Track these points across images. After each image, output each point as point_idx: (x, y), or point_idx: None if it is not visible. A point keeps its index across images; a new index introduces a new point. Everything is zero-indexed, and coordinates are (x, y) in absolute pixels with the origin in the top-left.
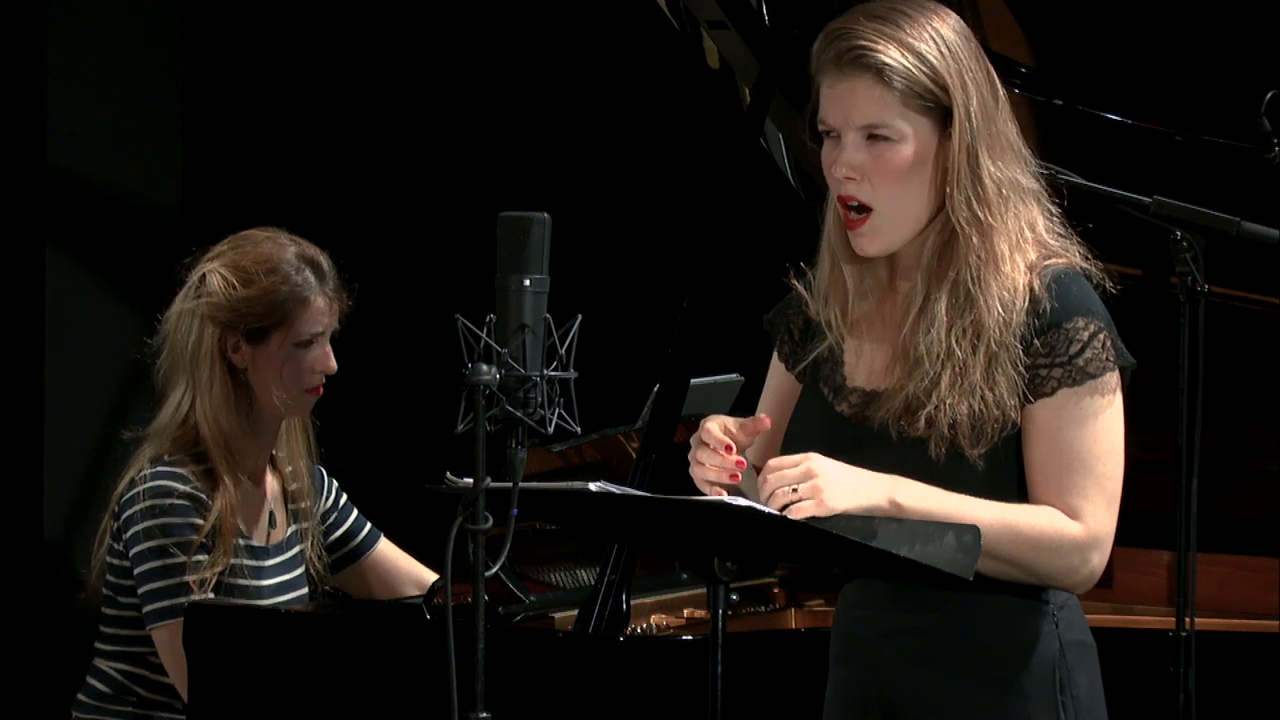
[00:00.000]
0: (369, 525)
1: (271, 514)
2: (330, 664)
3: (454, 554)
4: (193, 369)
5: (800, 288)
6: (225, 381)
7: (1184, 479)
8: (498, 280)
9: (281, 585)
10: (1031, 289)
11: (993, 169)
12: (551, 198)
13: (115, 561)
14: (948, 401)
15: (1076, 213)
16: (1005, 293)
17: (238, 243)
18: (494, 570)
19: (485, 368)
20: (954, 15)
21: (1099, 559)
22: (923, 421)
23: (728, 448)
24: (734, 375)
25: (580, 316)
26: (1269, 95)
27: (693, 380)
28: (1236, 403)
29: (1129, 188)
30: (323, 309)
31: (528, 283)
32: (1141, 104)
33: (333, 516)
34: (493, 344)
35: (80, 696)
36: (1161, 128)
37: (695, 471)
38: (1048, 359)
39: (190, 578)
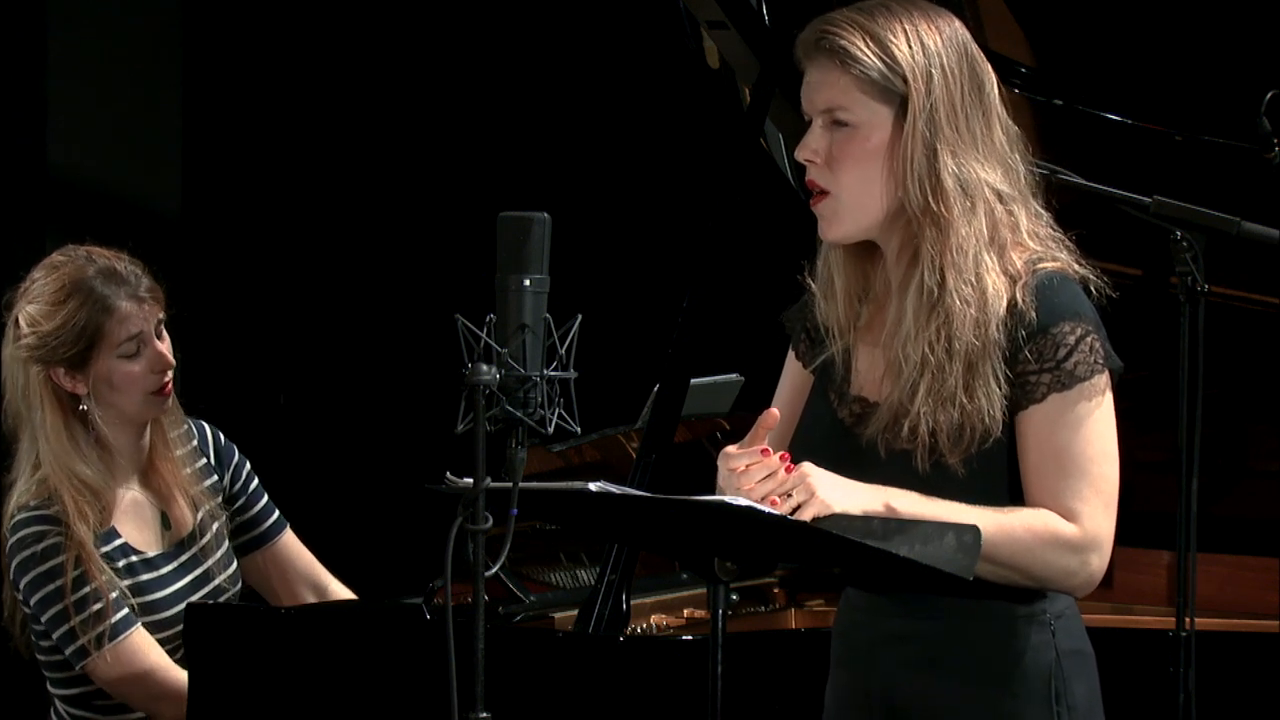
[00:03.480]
0: (277, 514)
1: (163, 515)
2: (330, 664)
3: (454, 554)
4: (27, 413)
5: (814, 287)
6: (59, 419)
7: (1184, 479)
8: (498, 280)
9: (195, 581)
10: (1015, 298)
11: (954, 166)
12: (551, 198)
13: (25, 609)
14: (923, 410)
15: (1076, 213)
16: (967, 288)
17: (40, 274)
18: (494, 570)
19: (485, 368)
20: (953, 21)
21: (1098, 561)
22: (906, 430)
23: (764, 451)
24: (734, 375)
25: (580, 316)
26: (1269, 95)
27: (693, 380)
28: (1236, 403)
29: (1129, 188)
30: (131, 312)
31: (528, 283)
32: (1141, 104)
33: (241, 500)
34: (493, 344)
35: None
36: (1161, 128)
37: (749, 498)
38: (1036, 365)
39: (80, 627)
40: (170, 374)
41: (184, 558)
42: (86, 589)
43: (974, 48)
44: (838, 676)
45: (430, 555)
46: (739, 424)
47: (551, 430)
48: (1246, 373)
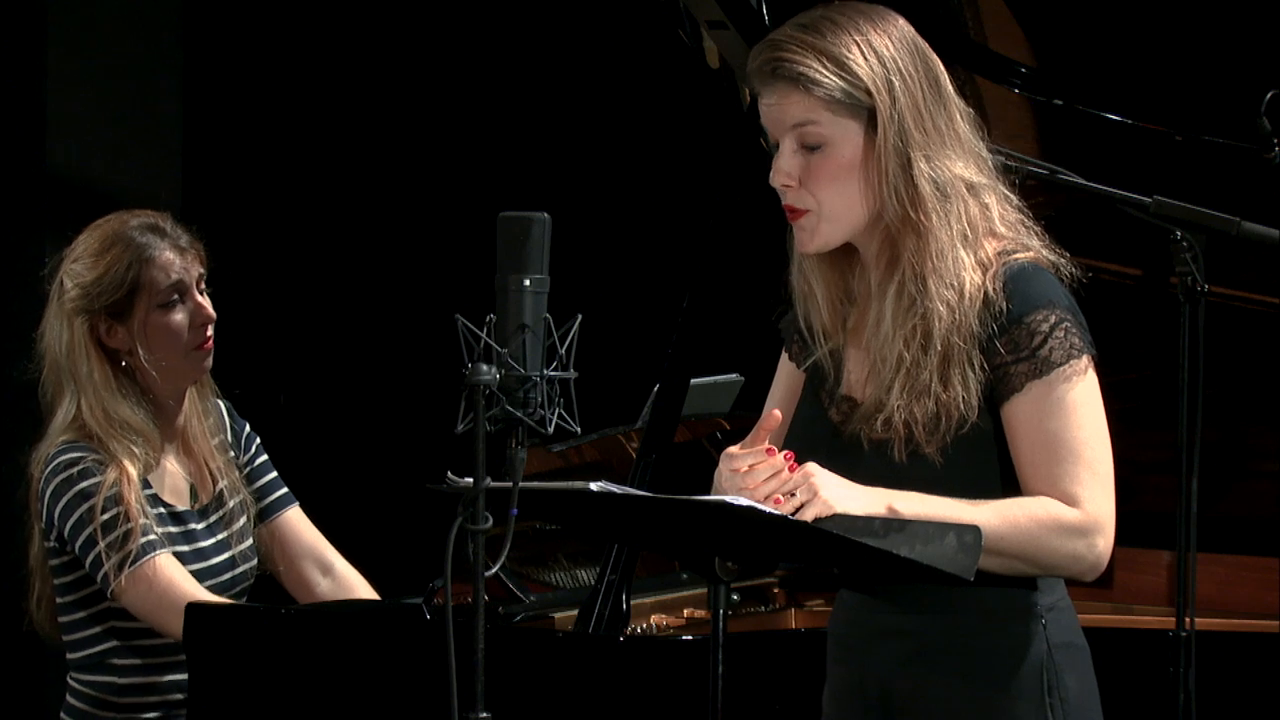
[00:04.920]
0: (284, 490)
1: (192, 486)
2: (330, 664)
3: (454, 554)
4: (71, 368)
5: (794, 295)
6: (104, 370)
7: (1184, 479)
8: (498, 280)
9: (218, 545)
10: (986, 290)
11: (928, 169)
12: (551, 198)
13: (56, 561)
14: (899, 404)
15: (1077, 213)
16: (949, 291)
17: (83, 235)
18: (494, 570)
19: (485, 368)
20: (897, 19)
21: (1103, 543)
22: (880, 424)
23: (769, 450)
24: (734, 375)
25: (580, 316)
26: (1269, 95)
27: (693, 380)
28: (1236, 403)
29: (1129, 188)
30: (172, 261)
31: (528, 283)
32: (1141, 104)
33: (246, 471)
34: (493, 344)
35: (62, 715)
36: (1161, 128)
37: (753, 497)
38: (1012, 356)
39: (105, 550)
40: (211, 329)
41: (207, 521)
42: (117, 509)
43: (921, 41)
44: (834, 675)
45: (430, 555)
46: (739, 424)
47: (551, 430)
48: (1246, 373)
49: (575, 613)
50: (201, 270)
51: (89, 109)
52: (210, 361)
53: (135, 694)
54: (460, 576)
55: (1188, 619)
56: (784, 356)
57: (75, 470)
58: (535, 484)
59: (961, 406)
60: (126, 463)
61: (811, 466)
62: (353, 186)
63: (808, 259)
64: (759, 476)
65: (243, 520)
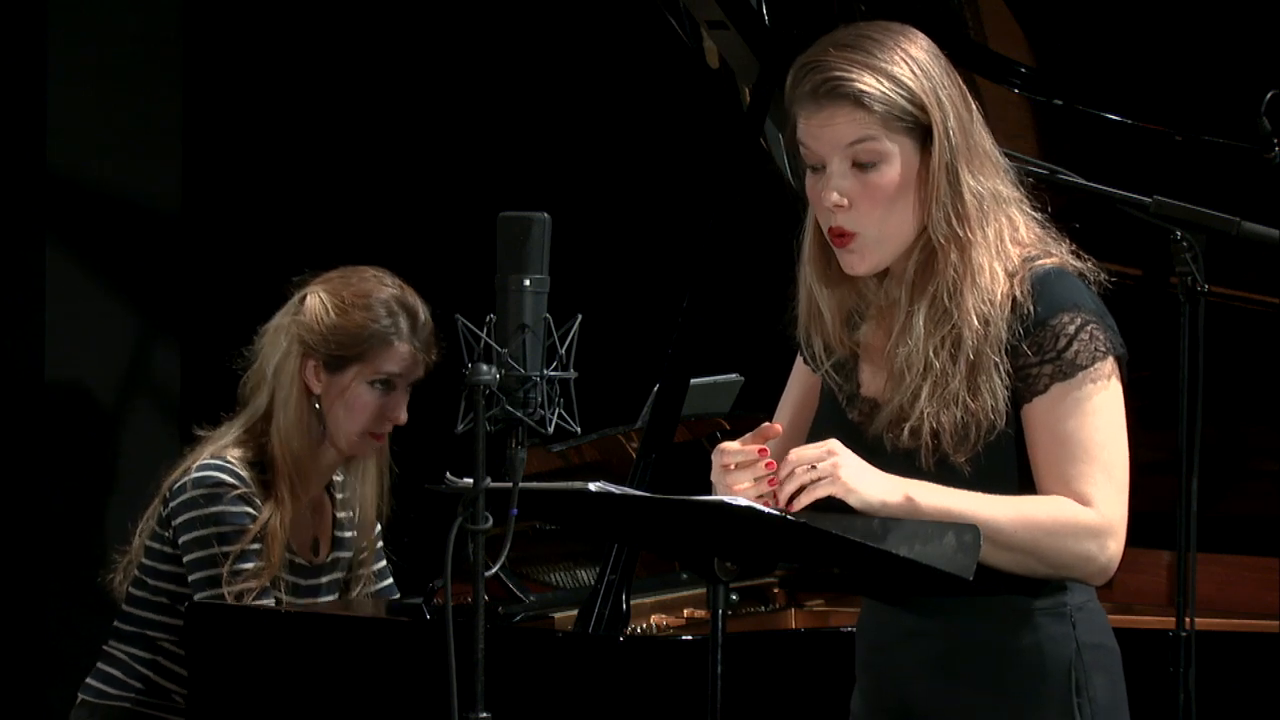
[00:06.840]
0: (390, 581)
1: (316, 540)
2: (330, 664)
3: (454, 554)
4: (274, 384)
5: (799, 312)
6: (302, 403)
7: (1184, 479)
8: (498, 280)
9: (326, 586)
10: (1013, 296)
11: (973, 183)
12: (551, 198)
13: (157, 546)
14: (927, 412)
15: (1076, 213)
16: (983, 305)
17: (346, 273)
18: (494, 570)
19: (485, 368)
20: (921, 35)
21: (1115, 546)
22: (907, 432)
23: (762, 451)
24: (734, 375)
25: (580, 316)
26: (1269, 95)
27: (693, 380)
28: (1236, 403)
29: (1129, 188)
30: (404, 355)
31: (528, 283)
32: (1141, 104)
33: (363, 555)
34: (493, 344)
35: (89, 680)
36: (1161, 128)
37: (734, 492)
38: (1037, 358)
39: (229, 577)
40: (391, 429)
41: (322, 580)
42: (258, 545)
43: (943, 54)
44: (862, 680)
45: (430, 555)
46: (739, 424)
47: (551, 430)
48: (1246, 373)
49: (575, 613)
50: (421, 375)
51: (89, 109)
52: (375, 451)
53: (174, 679)
54: (460, 576)
55: (1188, 619)
56: (799, 360)
57: (214, 492)
58: (535, 484)
59: (991, 414)
60: (286, 498)
61: (835, 445)
62: (353, 186)
63: (814, 276)
64: (740, 478)
65: (333, 596)
